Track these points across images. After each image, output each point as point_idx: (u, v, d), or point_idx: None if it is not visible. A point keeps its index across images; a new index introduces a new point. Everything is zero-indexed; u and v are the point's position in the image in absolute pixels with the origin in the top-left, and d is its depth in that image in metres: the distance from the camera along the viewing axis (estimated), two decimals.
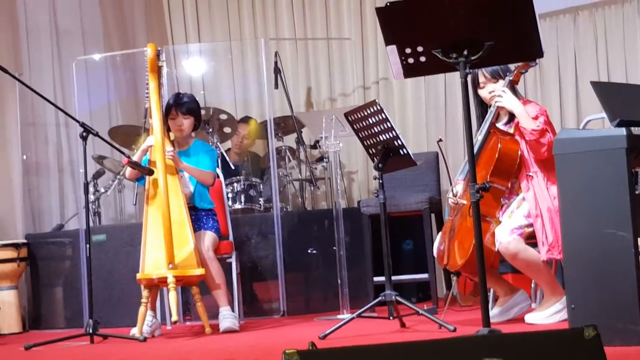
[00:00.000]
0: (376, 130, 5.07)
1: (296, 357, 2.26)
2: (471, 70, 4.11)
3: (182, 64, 8.18)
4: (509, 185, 4.97)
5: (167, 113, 5.88)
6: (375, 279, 6.34)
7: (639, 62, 6.88)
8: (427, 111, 7.85)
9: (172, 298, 5.41)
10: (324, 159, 7.32)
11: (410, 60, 4.13)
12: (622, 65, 6.96)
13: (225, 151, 7.52)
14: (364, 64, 8.13)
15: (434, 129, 7.78)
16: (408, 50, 4.12)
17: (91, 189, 7.25)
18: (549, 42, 7.02)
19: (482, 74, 5.04)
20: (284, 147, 7.57)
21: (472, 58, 4.00)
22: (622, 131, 3.81)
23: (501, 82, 5.05)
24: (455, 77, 7.66)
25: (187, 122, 5.88)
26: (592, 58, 7.09)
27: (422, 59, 4.12)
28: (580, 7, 7.18)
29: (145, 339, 5.41)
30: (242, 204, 7.11)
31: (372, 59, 8.07)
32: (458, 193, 5.07)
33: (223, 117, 7.37)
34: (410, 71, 4.17)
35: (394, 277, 5.30)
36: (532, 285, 5.45)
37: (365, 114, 5.07)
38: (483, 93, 5.10)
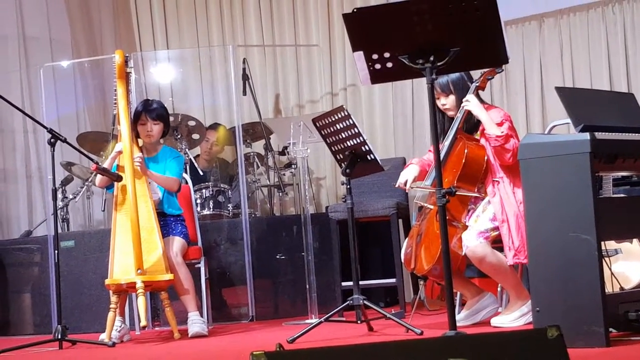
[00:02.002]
0: (344, 136, 5.10)
1: (263, 358, 2.28)
2: (437, 77, 4.15)
3: (150, 70, 8.19)
4: (475, 190, 5.02)
5: (136, 119, 5.89)
6: (344, 284, 6.37)
7: (603, 68, 6.98)
8: (395, 117, 7.90)
9: (141, 303, 5.42)
10: (292, 165, 7.35)
11: (377, 66, 4.18)
12: (587, 71, 7.06)
13: (194, 157, 7.54)
14: (332, 71, 8.18)
15: (401, 135, 7.84)
16: (375, 56, 4.17)
17: (60, 196, 7.25)
18: (515, 48, 7.11)
19: (436, 86, 5.04)
20: (252, 154, 7.60)
21: (439, 64, 4.05)
22: (586, 136, 3.87)
23: (452, 97, 5.12)
24: (422, 84, 7.69)
25: (156, 128, 5.89)
26: (557, 64, 7.18)
27: (389, 64, 4.16)
28: (545, 14, 7.28)
29: (114, 344, 5.41)
30: (211, 209, 7.13)
31: (340, 66, 8.12)
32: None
33: (191, 123, 7.38)
34: (377, 77, 4.21)
35: (361, 282, 5.33)
36: (499, 289, 5.51)
37: (333, 119, 5.11)
38: (438, 104, 5.16)
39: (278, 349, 2.35)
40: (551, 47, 7.23)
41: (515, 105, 7.29)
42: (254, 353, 2.28)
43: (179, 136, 7.26)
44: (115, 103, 5.80)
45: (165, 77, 8.28)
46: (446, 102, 5.14)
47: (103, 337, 5.55)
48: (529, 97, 7.30)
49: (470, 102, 5.03)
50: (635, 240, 5.70)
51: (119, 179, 5.66)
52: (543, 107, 7.22)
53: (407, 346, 2.33)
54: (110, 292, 5.62)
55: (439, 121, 5.15)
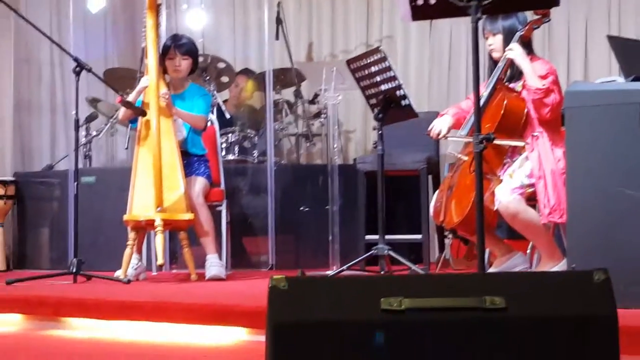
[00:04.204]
0: (378, 80, 4.92)
1: (283, 282, 2.11)
2: (482, 16, 3.91)
3: (182, 7, 7.98)
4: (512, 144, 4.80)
5: (164, 54, 5.71)
6: (367, 237, 6.18)
7: None
8: (430, 71, 7.68)
9: (159, 241, 5.28)
10: (322, 115, 7.16)
11: (420, 1, 3.95)
12: (635, 28, 6.78)
13: (223, 102, 7.35)
14: (368, 20, 7.95)
15: (436, 89, 7.63)
16: None
17: (83, 132, 7.10)
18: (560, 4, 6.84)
19: (485, 24, 4.87)
20: (281, 100, 7.41)
21: (485, 2, 3.82)
22: (637, 85, 3.65)
23: (499, 37, 4.89)
24: (459, 36, 7.51)
25: (185, 63, 5.71)
26: (604, 22, 6.91)
27: (432, 0, 3.94)
28: None
29: (129, 281, 5.28)
30: (236, 155, 6.96)
31: (376, 15, 7.90)
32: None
33: (221, 65, 7.20)
34: (418, 13, 3.97)
35: (386, 237, 5.15)
36: (528, 250, 5.30)
37: (368, 61, 4.92)
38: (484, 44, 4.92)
39: (300, 275, 2.18)
40: (598, 5, 6.97)
41: (557, 63, 7.01)
42: (274, 277, 2.12)
43: (207, 77, 7.07)
44: (144, 36, 5.61)
45: (197, 16, 8.06)
46: (493, 41, 4.91)
47: (119, 273, 5.42)
48: (571, 55, 7.05)
49: (514, 51, 4.81)
50: None
51: (143, 113, 5.50)
52: (586, 65, 6.97)
53: (441, 280, 2.15)
54: (129, 228, 5.49)
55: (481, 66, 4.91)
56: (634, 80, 3.74)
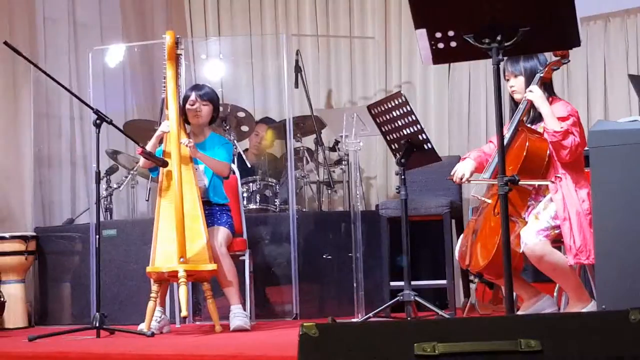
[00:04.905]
0: (400, 124, 4.91)
1: (314, 329, 2.07)
2: (503, 58, 3.90)
3: (201, 57, 8.02)
4: (537, 183, 4.76)
5: (185, 102, 5.72)
6: (392, 283, 6.12)
7: None
8: (450, 116, 7.67)
9: (183, 293, 5.23)
10: (343, 162, 7.13)
11: (441, 45, 3.93)
12: None
13: (243, 151, 7.35)
14: (387, 66, 7.96)
15: (456, 134, 7.61)
16: (438, 35, 3.92)
17: (104, 185, 7.10)
18: (579, 48, 6.82)
19: (507, 66, 4.86)
20: (302, 148, 7.39)
21: (506, 44, 3.80)
22: None
23: (520, 78, 4.87)
24: (478, 82, 7.50)
25: (205, 109, 5.72)
26: (622, 65, 6.89)
27: (453, 44, 3.91)
28: (611, 13, 7.00)
29: (153, 334, 5.23)
30: (258, 204, 6.93)
31: (395, 61, 7.90)
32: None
33: (241, 114, 7.20)
34: (439, 57, 3.97)
35: (412, 282, 5.09)
36: (555, 292, 5.23)
37: (389, 106, 4.91)
38: (506, 86, 4.91)
39: (330, 322, 2.14)
40: (616, 47, 6.96)
41: (577, 105, 6.98)
42: (305, 324, 2.08)
43: (227, 127, 7.07)
44: (164, 86, 5.63)
45: (215, 67, 8.09)
46: (514, 83, 4.90)
47: (142, 327, 5.37)
48: (590, 98, 7.03)
49: (533, 93, 4.79)
50: None
51: (165, 164, 5.49)
52: (605, 108, 6.94)
53: (476, 324, 2.10)
54: (151, 280, 5.46)
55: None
56: None
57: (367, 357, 2.04)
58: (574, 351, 2.07)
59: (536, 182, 4.71)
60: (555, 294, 5.22)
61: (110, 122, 5.48)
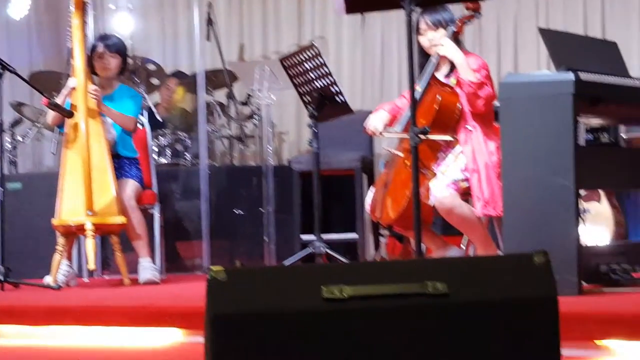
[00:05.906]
0: (312, 76, 4.89)
1: (222, 274, 2.05)
2: (416, 9, 3.89)
3: (109, 7, 7.85)
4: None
5: (92, 53, 5.58)
6: (303, 236, 6.13)
7: (579, 24, 6.78)
8: (363, 70, 7.67)
9: (90, 246, 5.15)
10: (255, 116, 7.08)
11: None
12: (563, 24, 6.85)
13: (154, 105, 7.22)
14: (300, 21, 7.90)
15: (369, 89, 7.61)
16: None
17: (8, 138, 6.91)
18: (489, 4, 6.87)
19: (424, 20, 4.84)
20: (213, 102, 7.31)
21: None
22: (570, 76, 3.66)
23: (441, 30, 4.86)
24: (391, 34, 7.51)
25: (114, 62, 5.60)
26: (532, 21, 6.97)
27: None
28: None
29: (59, 287, 5.14)
30: (169, 158, 6.84)
31: (307, 15, 7.85)
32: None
33: (151, 67, 7.10)
34: (352, 6, 3.96)
35: (322, 235, 5.10)
36: (463, 245, 5.30)
37: (302, 58, 4.89)
38: (423, 40, 4.89)
39: (238, 265, 2.10)
40: (526, 1, 7.02)
41: (488, 60, 7.03)
42: (213, 268, 2.05)
43: (137, 79, 6.94)
44: (70, 36, 5.48)
45: (125, 18, 7.91)
46: (434, 36, 4.85)
47: (48, 279, 5.27)
48: (501, 53, 7.10)
49: (445, 46, 4.79)
50: (604, 200, 5.53)
51: (71, 115, 5.37)
52: (516, 62, 7.02)
53: (385, 267, 2.10)
54: (58, 234, 5.34)
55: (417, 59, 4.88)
56: (565, 71, 3.75)
57: (276, 300, 2.02)
58: (480, 293, 2.09)
59: (443, 138, 4.72)
60: (463, 246, 5.28)
61: (13, 71, 5.32)
